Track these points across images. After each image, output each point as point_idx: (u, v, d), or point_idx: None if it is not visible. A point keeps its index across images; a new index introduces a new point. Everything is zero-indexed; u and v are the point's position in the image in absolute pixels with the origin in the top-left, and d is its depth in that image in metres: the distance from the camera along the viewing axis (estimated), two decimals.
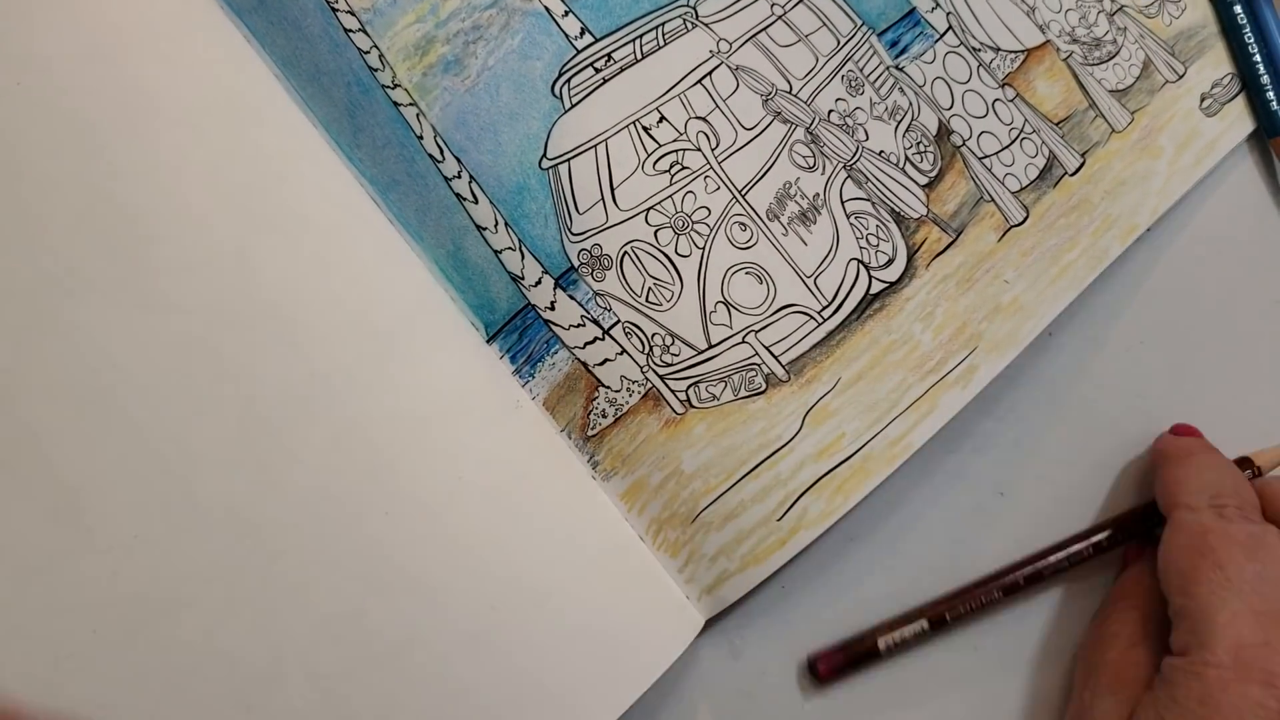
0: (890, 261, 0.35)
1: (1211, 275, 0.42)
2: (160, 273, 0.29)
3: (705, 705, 0.34)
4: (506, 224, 0.33)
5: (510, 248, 0.33)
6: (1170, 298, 0.41)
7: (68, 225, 0.29)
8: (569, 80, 0.34)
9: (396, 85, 0.33)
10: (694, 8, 0.36)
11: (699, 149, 0.34)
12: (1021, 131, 0.39)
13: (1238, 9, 0.43)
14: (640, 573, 0.32)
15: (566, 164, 0.33)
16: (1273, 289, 0.42)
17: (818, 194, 0.35)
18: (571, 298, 0.33)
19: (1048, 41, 0.41)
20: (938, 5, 0.39)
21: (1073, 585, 0.37)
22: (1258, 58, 0.43)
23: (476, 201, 0.33)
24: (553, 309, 0.33)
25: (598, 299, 0.33)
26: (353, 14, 0.33)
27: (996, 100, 0.39)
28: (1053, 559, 0.36)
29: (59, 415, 0.28)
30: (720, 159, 0.34)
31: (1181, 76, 0.42)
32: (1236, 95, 0.43)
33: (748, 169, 0.34)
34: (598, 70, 0.34)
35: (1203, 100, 0.42)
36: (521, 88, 0.33)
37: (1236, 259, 0.42)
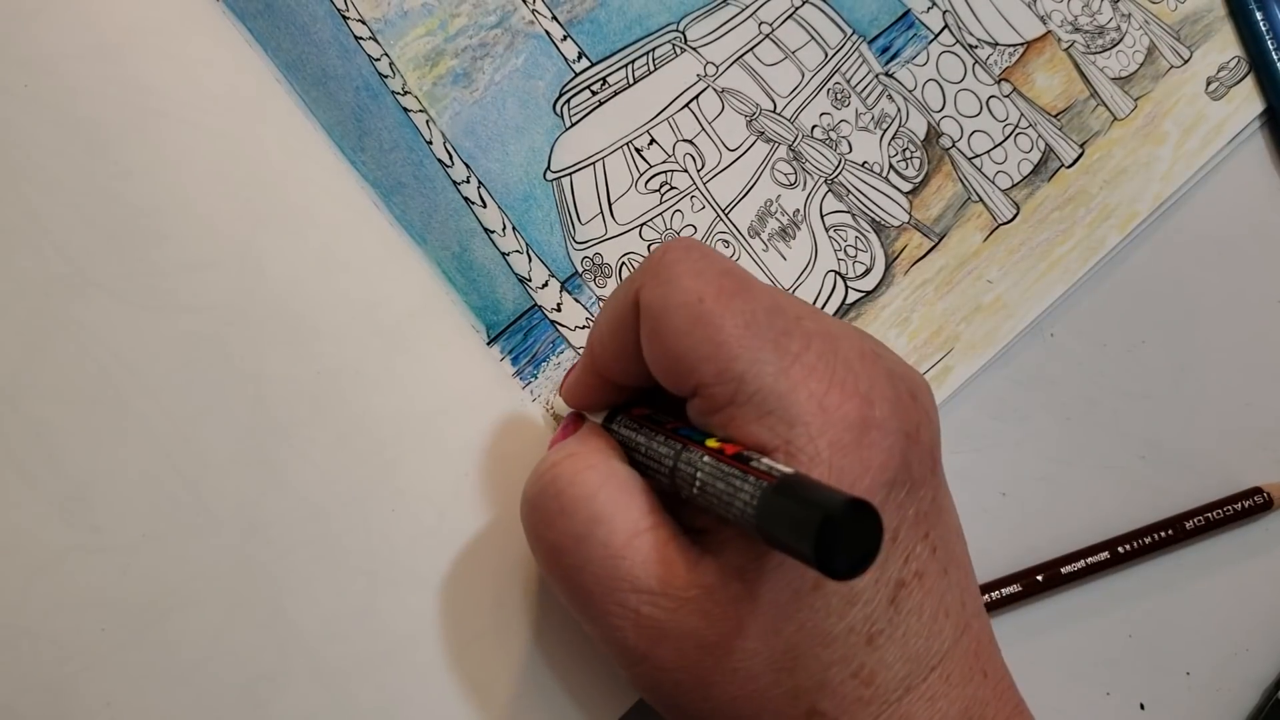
0: (868, 271, 0.37)
1: (1213, 275, 0.41)
2: (167, 272, 0.30)
3: None
4: (514, 228, 0.34)
5: (518, 250, 0.34)
6: (1171, 297, 0.41)
7: (75, 225, 0.29)
8: (568, 100, 0.36)
9: (407, 92, 0.34)
10: (683, 32, 0.37)
11: (685, 170, 0.36)
12: (1016, 127, 0.40)
13: None
14: None
15: (569, 177, 0.35)
16: (1275, 288, 0.42)
17: (798, 210, 0.37)
18: (577, 301, 0.35)
19: (1049, 32, 0.41)
20: (934, 4, 0.40)
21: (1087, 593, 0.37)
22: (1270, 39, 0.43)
23: (485, 206, 0.34)
24: (559, 310, 0.34)
25: (600, 303, 0.36)
26: (363, 23, 0.34)
27: (991, 97, 0.40)
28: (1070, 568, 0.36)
29: (67, 414, 0.28)
30: (705, 180, 0.36)
31: (1187, 61, 0.42)
32: (1244, 78, 0.43)
33: (731, 188, 0.36)
34: (594, 93, 0.36)
35: (1209, 84, 0.42)
36: (526, 104, 0.35)
37: (1239, 258, 0.42)
